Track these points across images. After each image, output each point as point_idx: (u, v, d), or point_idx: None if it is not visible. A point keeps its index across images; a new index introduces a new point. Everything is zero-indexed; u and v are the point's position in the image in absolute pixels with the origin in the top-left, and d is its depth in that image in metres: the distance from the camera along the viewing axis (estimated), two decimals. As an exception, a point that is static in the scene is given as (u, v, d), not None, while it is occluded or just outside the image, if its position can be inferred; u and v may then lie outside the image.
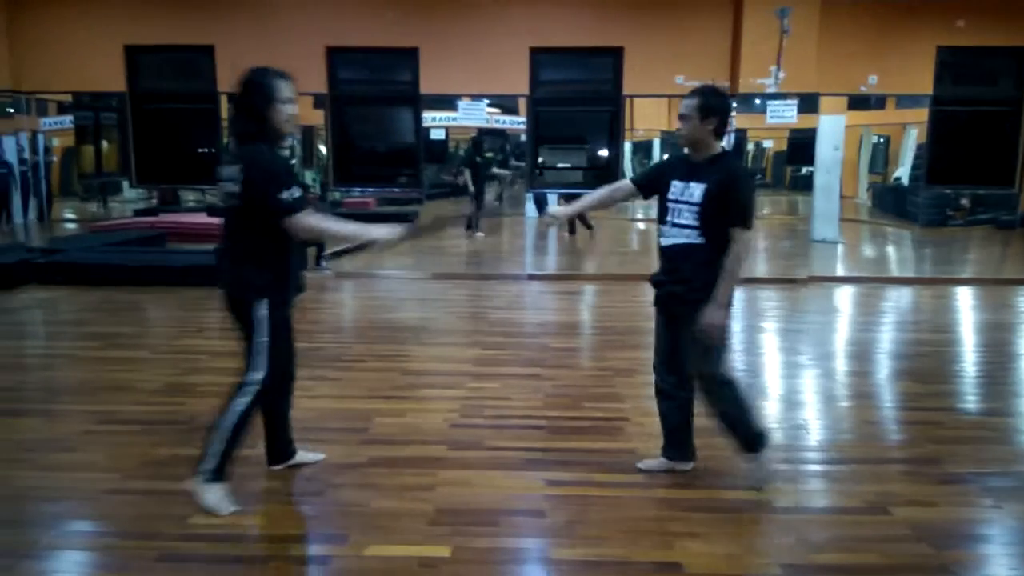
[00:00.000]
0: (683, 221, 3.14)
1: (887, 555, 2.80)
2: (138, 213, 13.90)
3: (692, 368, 3.26)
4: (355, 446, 3.73)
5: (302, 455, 3.45)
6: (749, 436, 3.31)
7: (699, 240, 3.11)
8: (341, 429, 3.94)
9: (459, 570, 2.67)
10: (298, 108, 3.05)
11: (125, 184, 14.06)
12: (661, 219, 3.26)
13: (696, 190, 3.10)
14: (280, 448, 3.39)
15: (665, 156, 22.21)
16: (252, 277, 3.01)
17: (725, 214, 3.05)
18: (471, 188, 12.73)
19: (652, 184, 3.34)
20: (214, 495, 3.01)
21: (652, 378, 4.03)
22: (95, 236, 11.08)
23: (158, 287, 7.96)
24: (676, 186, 3.18)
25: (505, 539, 2.89)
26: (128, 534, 2.90)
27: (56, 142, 15.49)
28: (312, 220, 2.94)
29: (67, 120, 14.22)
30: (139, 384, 4.76)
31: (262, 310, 2.99)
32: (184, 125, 9.62)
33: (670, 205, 3.20)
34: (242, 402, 3.03)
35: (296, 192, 2.88)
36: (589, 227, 12.47)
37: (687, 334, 3.19)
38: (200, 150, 9.96)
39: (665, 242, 3.25)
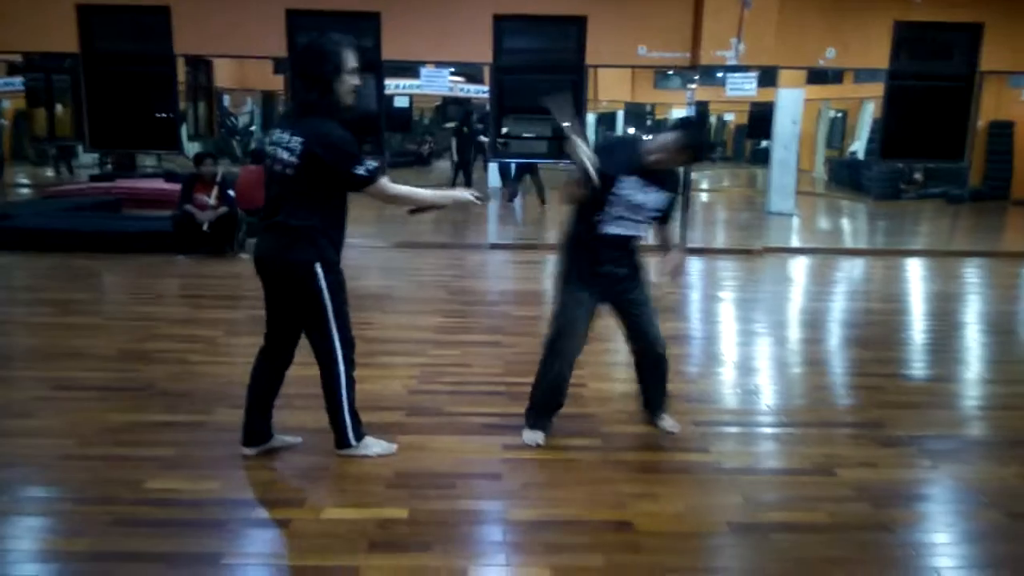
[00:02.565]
0: (640, 218, 3.34)
1: (831, 514, 2.91)
2: (94, 178, 13.58)
3: (659, 336, 3.56)
4: (314, 412, 3.72)
5: (279, 439, 3.35)
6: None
7: (642, 234, 3.42)
8: (300, 395, 3.92)
9: (416, 531, 2.72)
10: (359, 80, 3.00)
11: (79, 148, 13.69)
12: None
13: (662, 197, 3.31)
14: (258, 430, 3.27)
15: (631, 129, 22.31)
16: (309, 243, 2.94)
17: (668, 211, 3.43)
18: (455, 157, 12.87)
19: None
20: (372, 447, 3.26)
21: (610, 345, 4.11)
22: (49, 201, 10.81)
23: (113, 253, 7.82)
24: (634, 185, 3.25)
25: (462, 501, 2.95)
26: (83, 499, 2.89)
27: (7, 104, 15.00)
28: (392, 188, 3.00)
29: (18, 82, 13.76)
30: (94, 350, 4.70)
31: (320, 276, 2.97)
32: (140, 88, 9.37)
33: (624, 202, 3.27)
34: (338, 376, 3.12)
35: (371, 163, 2.89)
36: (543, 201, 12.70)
37: None
38: (157, 114, 9.72)
39: (613, 231, 3.34)
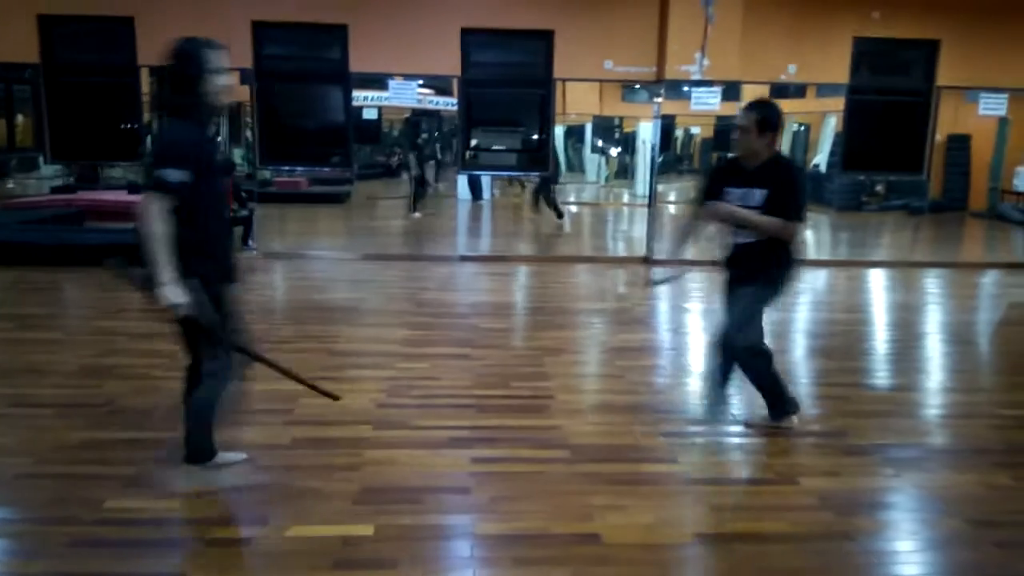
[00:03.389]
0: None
1: (795, 523, 2.94)
2: (55, 190, 13.32)
3: (730, 332, 3.70)
4: (280, 427, 3.70)
5: (223, 456, 3.23)
6: (776, 401, 3.79)
7: (760, 238, 3.49)
8: (266, 410, 3.90)
9: (382, 547, 2.69)
10: (232, 79, 2.96)
11: (40, 160, 13.42)
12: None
13: (756, 194, 3.43)
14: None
15: (599, 141, 22.44)
16: (181, 256, 2.79)
17: (781, 212, 3.40)
18: (415, 171, 12.92)
19: (709, 197, 3.67)
20: (217, 477, 3.08)
21: (577, 357, 4.09)
22: (9, 213, 10.58)
23: (75, 267, 7.66)
24: (737, 192, 3.50)
25: (429, 516, 2.92)
26: (40, 519, 2.82)
27: (-35, 115, 14.63)
28: (150, 213, 2.70)
29: (-25, 92, 13.44)
30: (54, 366, 4.60)
31: (195, 290, 2.81)
32: (102, 99, 9.20)
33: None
34: (207, 389, 2.99)
35: (172, 174, 2.70)
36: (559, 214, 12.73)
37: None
38: (121, 125, 9.56)
39: (737, 241, 3.62)
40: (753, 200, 3.46)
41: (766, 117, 3.44)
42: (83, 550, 2.63)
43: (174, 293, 2.75)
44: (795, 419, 3.83)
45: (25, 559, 2.61)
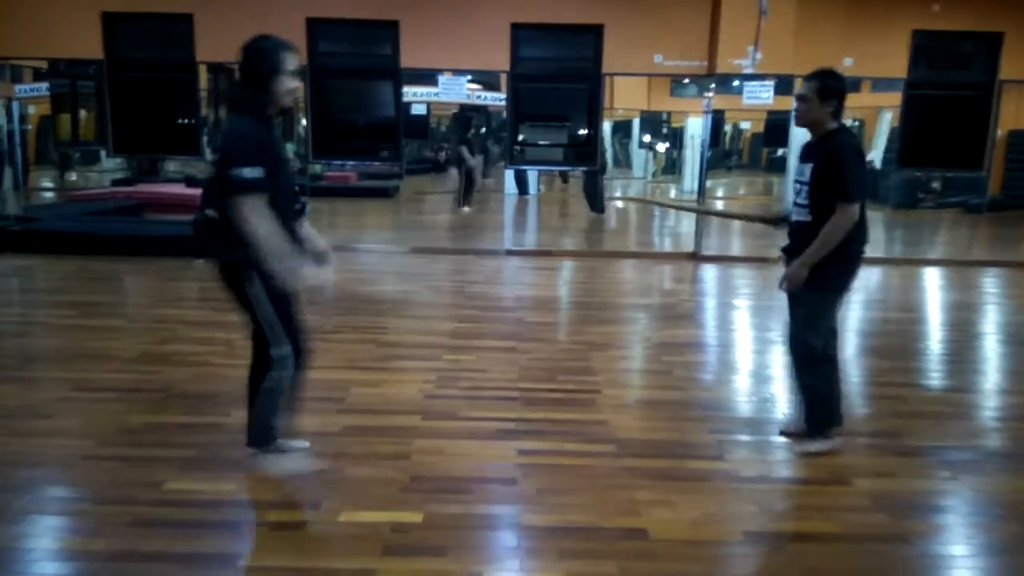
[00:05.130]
0: (800, 201, 3.38)
1: (847, 524, 2.90)
2: (116, 183, 13.75)
3: (794, 333, 3.50)
4: (331, 415, 3.77)
5: (285, 443, 3.27)
6: (822, 418, 3.53)
7: (809, 218, 3.33)
8: (318, 399, 3.97)
9: (430, 535, 2.73)
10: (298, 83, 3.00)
11: (102, 153, 13.87)
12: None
13: (807, 170, 3.34)
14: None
15: (647, 137, 22.33)
16: (236, 245, 2.83)
17: (829, 189, 3.24)
18: (470, 163, 13.03)
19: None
20: (278, 463, 3.09)
21: (624, 352, 4.05)
22: (73, 205, 10.97)
23: (135, 257, 7.91)
24: (797, 167, 3.45)
25: (476, 506, 2.95)
26: (102, 500, 2.93)
27: (32, 110, 15.20)
28: (251, 213, 2.73)
29: (43, 87, 13.93)
30: (115, 352, 4.75)
31: (255, 283, 2.87)
32: (162, 94, 9.47)
33: (793, 185, 3.48)
34: (271, 378, 2.99)
35: (256, 172, 2.73)
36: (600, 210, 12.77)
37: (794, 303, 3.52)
38: (180, 120, 9.82)
39: (793, 219, 3.48)
40: (804, 176, 3.35)
41: (827, 85, 3.29)
42: (143, 530, 2.72)
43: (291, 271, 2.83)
44: (832, 442, 3.53)
45: (88, 537, 2.70)
